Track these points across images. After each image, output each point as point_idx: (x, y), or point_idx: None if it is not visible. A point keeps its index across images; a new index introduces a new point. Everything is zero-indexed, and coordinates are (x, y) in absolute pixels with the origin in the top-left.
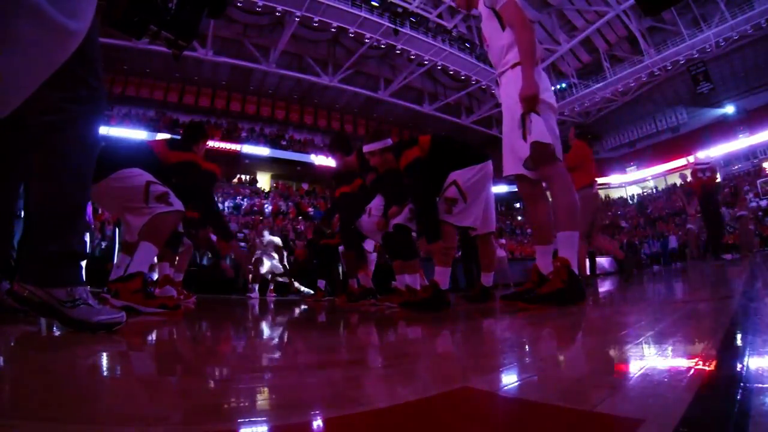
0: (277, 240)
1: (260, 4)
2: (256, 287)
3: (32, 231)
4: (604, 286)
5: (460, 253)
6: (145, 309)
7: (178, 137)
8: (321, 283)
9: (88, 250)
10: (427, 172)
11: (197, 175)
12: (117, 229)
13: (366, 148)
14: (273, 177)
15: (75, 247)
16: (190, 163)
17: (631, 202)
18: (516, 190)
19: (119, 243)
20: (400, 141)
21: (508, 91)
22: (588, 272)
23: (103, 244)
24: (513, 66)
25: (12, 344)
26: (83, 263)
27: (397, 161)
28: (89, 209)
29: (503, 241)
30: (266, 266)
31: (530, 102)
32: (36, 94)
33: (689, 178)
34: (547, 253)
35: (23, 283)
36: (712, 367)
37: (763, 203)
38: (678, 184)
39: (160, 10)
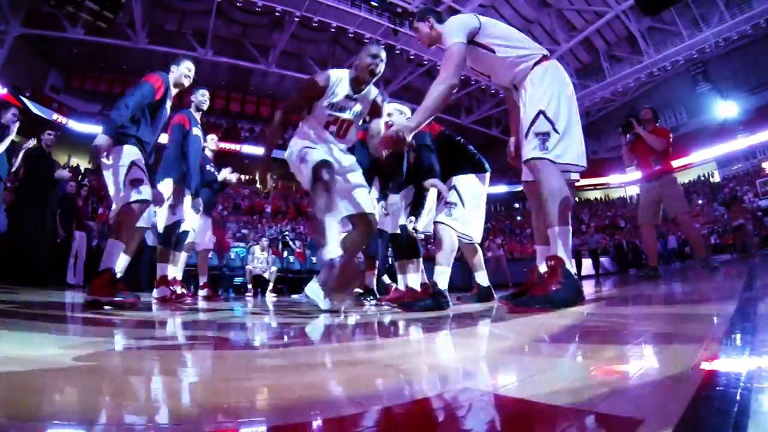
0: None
1: (260, 4)
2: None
3: None
4: (607, 286)
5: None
6: (105, 299)
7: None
8: None
9: (85, 250)
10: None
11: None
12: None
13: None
14: (273, 177)
15: None
16: (179, 126)
17: (630, 202)
18: (515, 190)
19: None
20: None
21: (532, 93)
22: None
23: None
24: (534, 64)
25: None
26: None
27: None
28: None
29: (499, 240)
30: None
31: (393, 143)
32: None
33: None
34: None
35: None
36: (711, 367)
37: (762, 203)
38: None
39: None
